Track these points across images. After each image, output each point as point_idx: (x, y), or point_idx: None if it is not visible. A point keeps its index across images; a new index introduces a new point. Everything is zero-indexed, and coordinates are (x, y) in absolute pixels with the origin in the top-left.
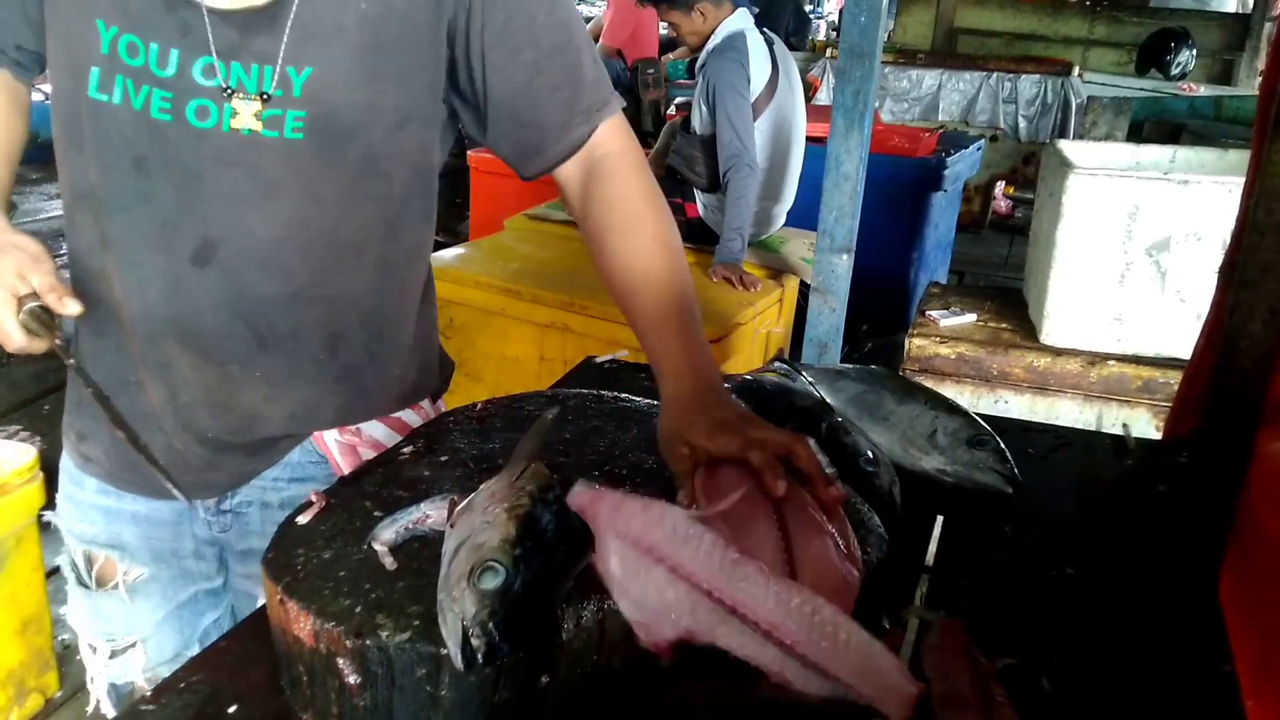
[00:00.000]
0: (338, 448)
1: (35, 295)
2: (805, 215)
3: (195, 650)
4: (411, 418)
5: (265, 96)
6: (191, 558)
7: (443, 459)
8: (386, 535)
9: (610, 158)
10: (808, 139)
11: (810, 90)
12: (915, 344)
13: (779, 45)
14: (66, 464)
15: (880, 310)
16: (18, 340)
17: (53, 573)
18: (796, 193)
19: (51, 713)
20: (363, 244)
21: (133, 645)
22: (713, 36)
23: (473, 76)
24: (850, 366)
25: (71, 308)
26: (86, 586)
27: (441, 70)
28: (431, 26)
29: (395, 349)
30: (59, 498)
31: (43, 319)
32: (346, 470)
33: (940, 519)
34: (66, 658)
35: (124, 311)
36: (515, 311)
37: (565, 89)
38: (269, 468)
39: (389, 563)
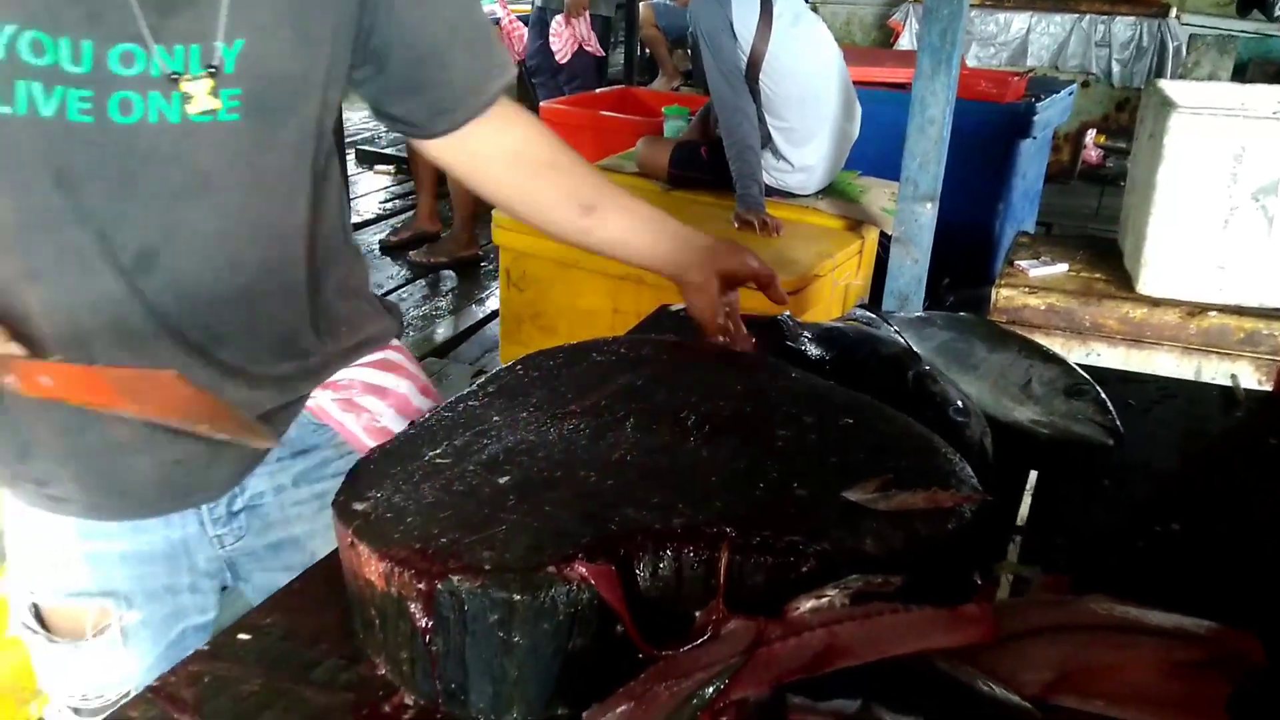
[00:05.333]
0: (335, 407)
1: None
2: (884, 164)
3: None
4: (390, 356)
5: (212, 71)
6: (187, 592)
7: (512, 403)
8: None
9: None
10: (888, 85)
11: (891, 36)
12: (1003, 295)
13: None
14: (27, 522)
15: (963, 263)
16: None
17: None
18: (875, 141)
19: None
20: (300, 223)
21: (126, 696)
22: None
23: (386, 34)
24: (938, 314)
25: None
26: (55, 643)
27: (354, 30)
28: None
29: (341, 315)
30: (17, 563)
31: None
32: (353, 427)
33: (1034, 473)
34: None
35: (57, 344)
36: (589, 264)
37: (479, 46)
38: (272, 448)
39: None
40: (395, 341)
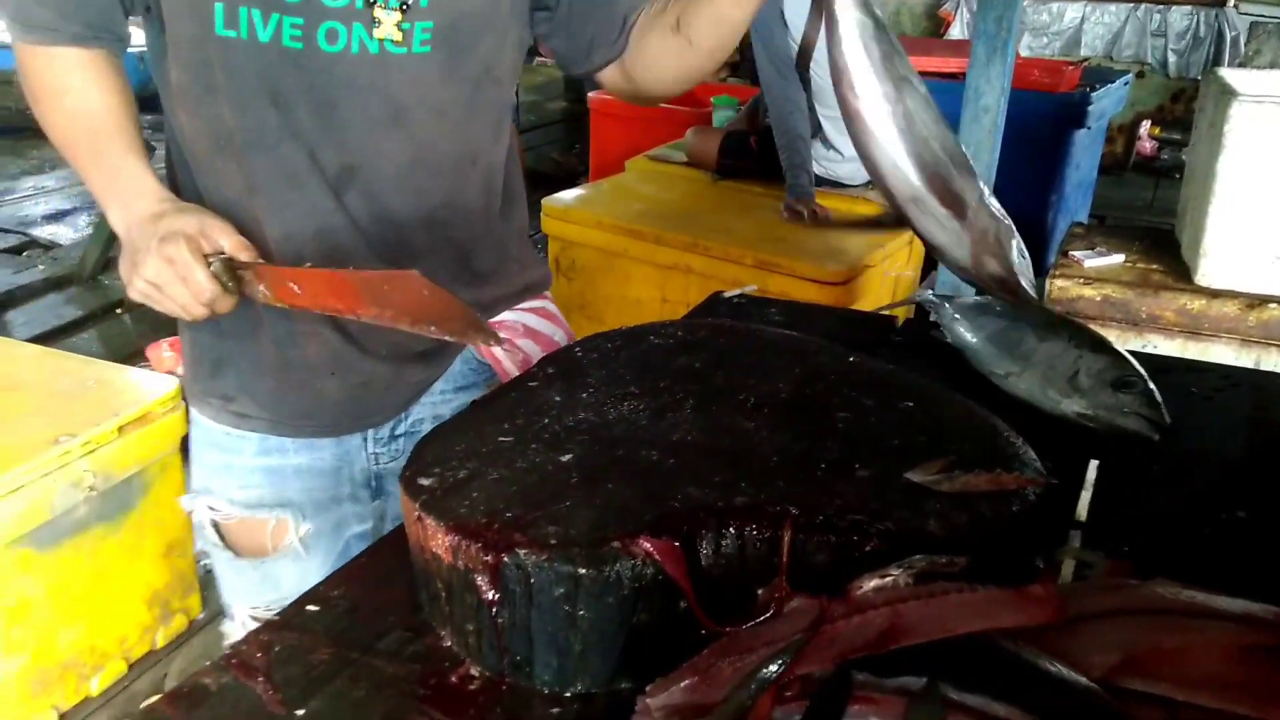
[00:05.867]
0: (498, 347)
1: (219, 254)
2: None
3: None
4: (548, 305)
5: (405, 7)
6: (349, 501)
7: (572, 385)
8: None
9: None
10: (940, 75)
11: (941, 26)
12: (1057, 285)
13: None
14: (212, 435)
15: None
16: (208, 293)
17: None
18: None
19: (195, 633)
20: (477, 153)
21: None
22: None
23: None
24: (995, 300)
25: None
26: (239, 559)
27: None
28: None
29: (511, 246)
30: (202, 475)
31: (231, 273)
32: (509, 367)
33: (1095, 462)
34: (208, 581)
35: (276, 257)
36: (637, 253)
37: None
38: (438, 379)
39: None
40: (547, 292)
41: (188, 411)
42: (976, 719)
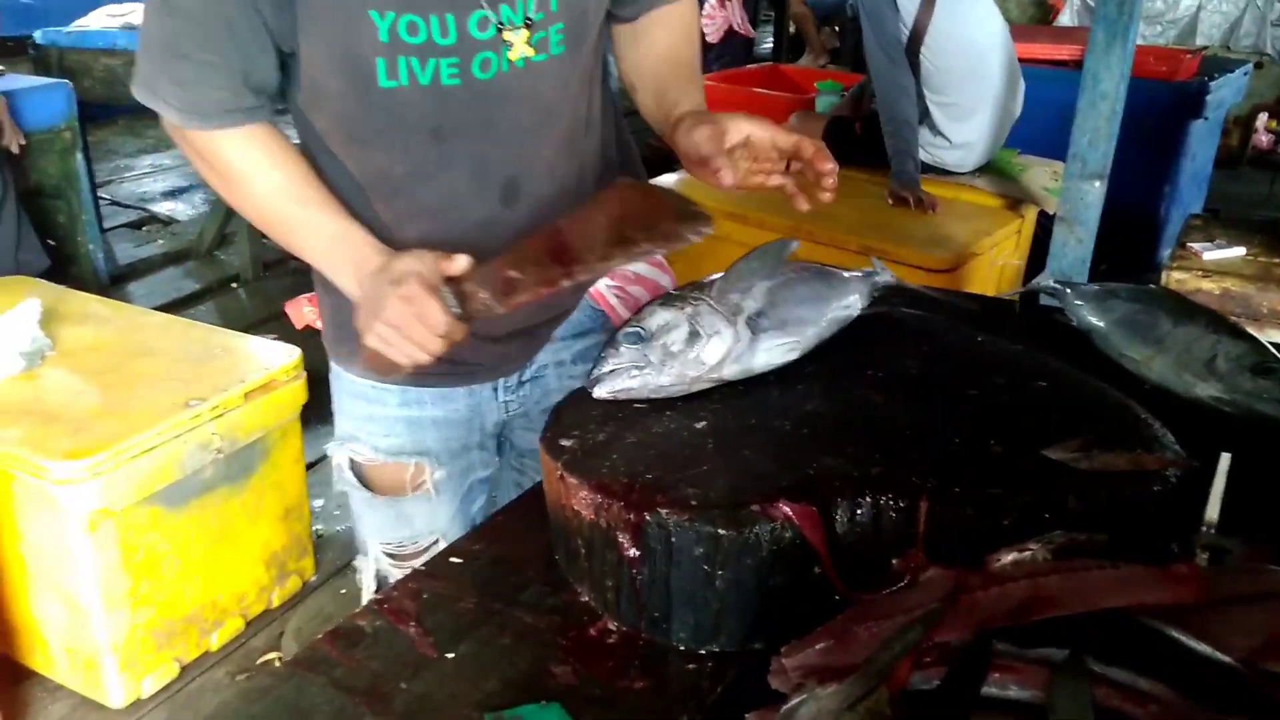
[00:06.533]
0: (611, 294)
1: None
2: (1040, 143)
3: None
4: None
5: (529, 23)
6: (477, 449)
7: None
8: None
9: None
10: (1049, 63)
11: (1051, 13)
12: (1174, 278)
13: None
14: (357, 387)
15: (1122, 247)
16: (443, 324)
17: (312, 465)
18: (1032, 120)
19: (308, 594)
20: (595, 134)
21: (435, 542)
22: None
23: None
24: (1121, 285)
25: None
26: (376, 499)
27: None
28: None
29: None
30: (347, 424)
31: (459, 296)
32: (623, 313)
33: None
34: (321, 545)
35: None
36: (741, 236)
37: None
38: (559, 327)
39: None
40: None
41: (308, 380)
42: (1120, 692)
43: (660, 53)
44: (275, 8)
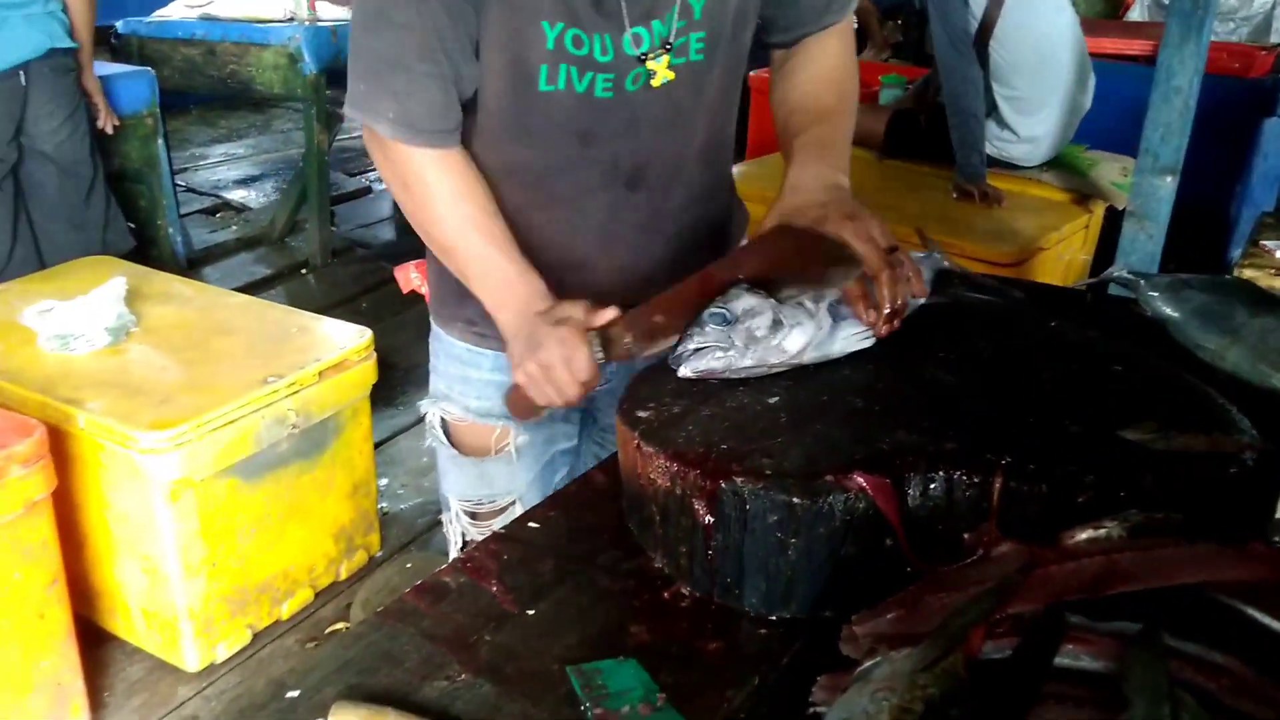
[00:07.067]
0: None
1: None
2: (1110, 139)
3: None
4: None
5: (667, 45)
6: (561, 421)
7: None
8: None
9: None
10: (1119, 58)
11: (1120, 8)
12: (1246, 275)
13: None
14: (454, 350)
15: (1191, 245)
16: (587, 371)
17: (379, 444)
18: (1101, 115)
19: (374, 569)
20: (726, 124)
21: (513, 503)
22: None
23: None
24: (1195, 276)
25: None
26: (462, 456)
27: None
28: None
29: (736, 219)
30: (441, 384)
31: (604, 341)
32: None
33: None
34: (386, 522)
35: (554, 252)
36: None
37: None
38: None
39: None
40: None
41: (377, 362)
42: (1195, 666)
43: (798, 83)
44: (472, 16)
